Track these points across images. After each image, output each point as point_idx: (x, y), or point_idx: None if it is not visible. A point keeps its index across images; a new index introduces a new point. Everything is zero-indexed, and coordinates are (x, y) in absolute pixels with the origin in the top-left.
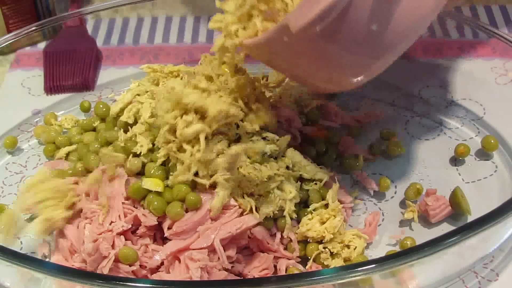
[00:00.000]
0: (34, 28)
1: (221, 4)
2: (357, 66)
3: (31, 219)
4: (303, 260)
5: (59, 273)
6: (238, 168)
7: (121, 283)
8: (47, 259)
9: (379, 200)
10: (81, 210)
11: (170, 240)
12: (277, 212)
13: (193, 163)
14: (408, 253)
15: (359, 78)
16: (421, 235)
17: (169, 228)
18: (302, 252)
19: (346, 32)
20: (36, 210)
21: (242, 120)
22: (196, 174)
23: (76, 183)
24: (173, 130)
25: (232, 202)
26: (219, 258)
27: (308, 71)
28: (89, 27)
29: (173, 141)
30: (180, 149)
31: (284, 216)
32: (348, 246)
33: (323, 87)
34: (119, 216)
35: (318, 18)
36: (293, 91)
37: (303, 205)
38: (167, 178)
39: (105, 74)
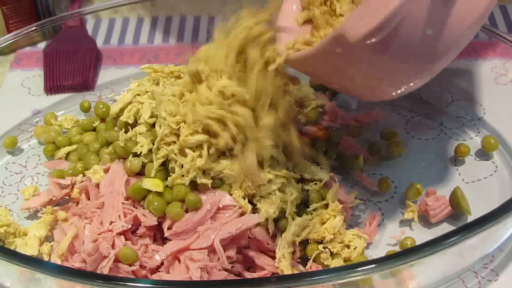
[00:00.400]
0: (34, 28)
1: None
2: (410, 75)
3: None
4: (303, 260)
5: (59, 273)
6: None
7: (121, 283)
8: (47, 259)
9: (379, 200)
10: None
11: (170, 240)
12: (278, 213)
13: (193, 168)
14: (408, 253)
15: (409, 86)
16: (421, 235)
17: (169, 228)
18: (302, 252)
19: (402, 40)
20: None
21: None
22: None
23: (74, 183)
24: (174, 132)
25: (232, 202)
26: (219, 258)
27: (356, 81)
28: (89, 27)
29: (174, 142)
30: (181, 152)
31: (286, 218)
32: (348, 246)
33: (368, 96)
34: (119, 216)
35: (380, 27)
36: (293, 91)
37: (303, 205)
38: (167, 178)
39: (105, 74)
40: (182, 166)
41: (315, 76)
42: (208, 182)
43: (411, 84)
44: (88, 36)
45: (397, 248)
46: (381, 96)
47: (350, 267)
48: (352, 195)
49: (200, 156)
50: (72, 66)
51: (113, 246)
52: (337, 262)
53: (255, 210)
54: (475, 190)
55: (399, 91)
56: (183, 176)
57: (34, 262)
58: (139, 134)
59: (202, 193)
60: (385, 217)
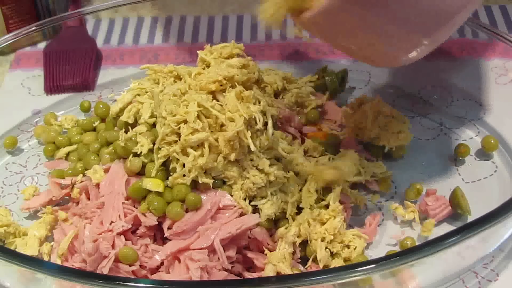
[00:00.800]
0: (34, 28)
1: None
2: (416, 34)
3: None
4: (303, 260)
5: (59, 273)
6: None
7: (121, 283)
8: (47, 259)
9: (379, 200)
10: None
11: (170, 240)
12: (278, 214)
13: (195, 168)
14: (408, 253)
15: (416, 50)
16: (421, 235)
17: (169, 228)
18: (302, 252)
19: None
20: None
21: None
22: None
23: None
24: (175, 132)
25: (232, 202)
26: (219, 258)
27: (365, 42)
28: (89, 27)
29: (175, 142)
30: (183, 151)
31: (287, 218)
32: (348, 246)
33: (376, 59)
34: (119, 216)
35: None
36: (294, 91)
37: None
38: (167, 178)
39: (105, 74)
40: (183, 166)
41: (326, 37)
42: (210, 181)
43: (416, 47)
44: (88, 36)
45: (397, 248)
46: (389, 60)
47: (350, 267)
48: (352, 195)
49: (201, 155)
50: (72, 66)
51: (113, 246)
52: (337, 262)
53: (256, 211)
54: (475, 190)
55: (407, 55)
56: (184, 175)
57: (34, 262)
58: (139, 134)
59: (202, 193)
60: (385, 217)
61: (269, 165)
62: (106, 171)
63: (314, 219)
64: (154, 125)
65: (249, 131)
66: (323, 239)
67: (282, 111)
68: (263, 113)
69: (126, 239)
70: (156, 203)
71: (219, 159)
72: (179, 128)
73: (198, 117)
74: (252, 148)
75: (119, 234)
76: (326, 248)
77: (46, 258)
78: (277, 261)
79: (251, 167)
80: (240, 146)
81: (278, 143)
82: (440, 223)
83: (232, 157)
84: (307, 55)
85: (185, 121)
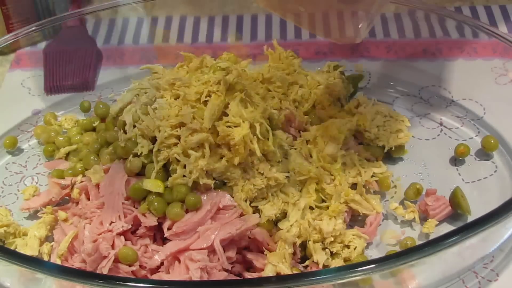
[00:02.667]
0: (34, 28)
1: None
2: None
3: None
4: (303, 260)
5: (59, 273)
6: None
7: (121, 283)
8: (47, 259)
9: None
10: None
11: (170, 240)
12: (279, 215)
13: (196, 169)
14: (408, 253)
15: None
16: (421, 235)
17: (169, 229)
18: (302, 252)
19: None
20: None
21: None
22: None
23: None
24: (174, 135)
25: (232, 202)
26: (219, 258)
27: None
28: (89, 27)
29: (175, 144)
30: (184, 152)
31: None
32: (348, 246)
33: (332, 34)
34: (119, 216)
35: None
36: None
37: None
38: (167, 179)
39: (105, 74)
40: (184, 167)
41: (279, 9)
42: (211, 182)
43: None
44: (88, 36)
45: (397, 248)
46: (339, 32)
47: (350, 267)
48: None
49: (202, 156)
50: (72, 66)
51: (113, 246)
52: (337, 262)
53: (256, 212)
54: (475, 190)
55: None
56: (185, 176)
57: (34, 262)
58: (139, 134)
59: (202, 193)
60: (385, 217)
61: (270, 166)
62: (106, 171)
63: (315, 219)
64: None
65: (255, 136)
66: (322, 240)
67: (283, 111)
68: (268, 119)
69: (126, 239)
70: (156, 203)
71: (222, 162)
72: (177, 131)
73: (193, 118)
74: (258, 154)
75: (119, 234)
76: (326, 248)
77: (46, 258)
78: (277, 261)
79: (251, 169)
80: (244, 150)
81: (289, 152)
82: (440, 223)
83: (236, 161)
84: (307, 55)
85: (182, 124)
